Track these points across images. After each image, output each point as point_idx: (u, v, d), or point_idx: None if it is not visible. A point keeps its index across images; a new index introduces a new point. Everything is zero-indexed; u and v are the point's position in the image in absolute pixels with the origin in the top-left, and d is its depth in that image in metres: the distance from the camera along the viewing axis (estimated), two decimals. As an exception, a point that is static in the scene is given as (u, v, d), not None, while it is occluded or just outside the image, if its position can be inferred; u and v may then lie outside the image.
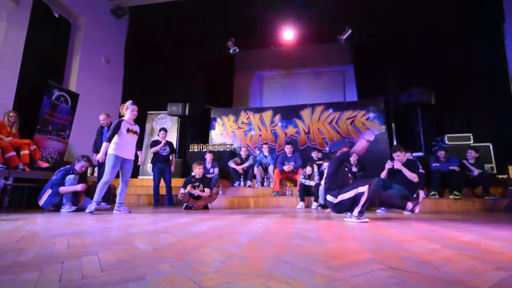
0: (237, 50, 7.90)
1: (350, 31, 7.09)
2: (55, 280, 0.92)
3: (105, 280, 0.92)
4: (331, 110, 7.49)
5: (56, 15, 6.48)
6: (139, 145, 4.12)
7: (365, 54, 7.94)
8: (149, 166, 5.74)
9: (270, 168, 6.12)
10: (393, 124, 7.14)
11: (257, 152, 7.46)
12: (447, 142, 5.89)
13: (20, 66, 5.40)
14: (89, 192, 4.15)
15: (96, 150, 4.75)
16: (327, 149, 6.98)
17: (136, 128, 3.93)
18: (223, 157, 6.63)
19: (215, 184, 5.61)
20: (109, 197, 4.83)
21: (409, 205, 3.07)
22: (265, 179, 6.20)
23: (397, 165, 3.82)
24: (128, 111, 3.83)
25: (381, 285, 0.90)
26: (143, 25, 8.51)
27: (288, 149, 6.01)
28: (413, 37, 7.16)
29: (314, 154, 6.17)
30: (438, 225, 2.60)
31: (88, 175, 5.35)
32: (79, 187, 3.84)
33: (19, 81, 5.34)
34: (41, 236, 1.79)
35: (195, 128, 8.16)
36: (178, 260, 1.20)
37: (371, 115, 7.13)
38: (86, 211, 3.59)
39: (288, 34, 7.79)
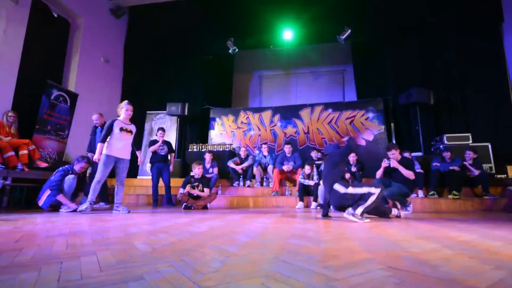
0: (237, 50, 7.89)
1: (349, 31, 7.10)
2: (53, 280, 0.92)
3: (104, 280, 0.92)
4: (330, 110, 7.50)
5: (55, 15, 6.47)
6: (137, 145, 4.09)
7: (364, 54, 7.95)
8: (148, 166, 5.74)
9: (270, 168, 6.12)
10: (392, 124, 7.15)
11: (257, 152, 7.46)
12: (446, 142, 5.90)
13: (19, 65, 5.39)
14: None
15: (91, 150, 4.73)
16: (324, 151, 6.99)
17: (131, 127, 3.92)
18: (222, 157, 6.63)
19: (215, 184, 5.61)
20: (107, 196, 4.81)
21: (394, 211, 3.23)
22: (265, 179, 6.20)
23: (393, 163, 3.84)
24: (123, 110, 3.84)
25: (380, 284, 0.90)
26: (142, 25, 8.51)
27: (287, 149, 6.02)
28: (412, 37, 7.17)
29: (314, 154, 6.17)
30: (437, 224, 2.61)
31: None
32: (73, 205, 3.81)
33: (18, 81, 5.34)
34: (40, 236, 1.79)
35: (194, 128, 8.15)
36: (177, 260, 1.20)
37: (370, 115, 7.14)
38: (78, 210, 3.60)
39: (287, 34, 7.79)
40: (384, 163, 3.92)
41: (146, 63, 8.42)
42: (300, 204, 5.04)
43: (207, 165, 5.88)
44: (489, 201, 4.65)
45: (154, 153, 5.30)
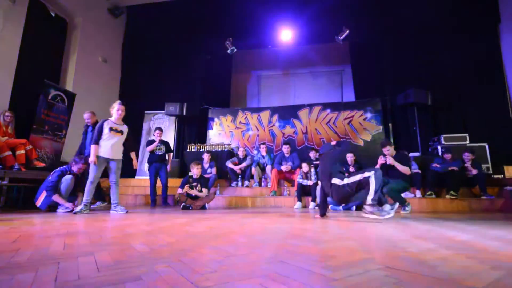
0: (235, 50, 7.89)
1: (347, 31, 7.11)
2: (51, 281, 0.91)
3: (101, 281, 0.92)
4: (328, 110, 7.51)
5: (53, 14, 6.44)
6: (131, 147, 4.02)
7: (362, 55, 7.96)
8: (146, 166, 5.72)
9: (268, 168, 6.12)
10: (390, 125, 7.17)
11: (255, 152, 7.46)
12: (443, 142, 5.92)
13: (16, 65, 5.36)
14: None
15: (81, 151, 4.68)
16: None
17: (122, 127, 3.87)
18: (220, 157, 6.62)
19: (213, 184, 5.60)
20: (103, 196, 4.80)
21: (368, 201, 2.93)
22: (263, 179, 6.20)
23: (390, 160, 3.85)
24: (114, 110, 3.82)
25: (378, 284, 0.90)
26: (140, 25, 8.48)
27: (285, 149, 6.02)
28: (409, 38, 7.19)
29: (312, 154, 6.17)
30: (434, 224, 2.62)
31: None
32: (69, 205, 3.80)
33: (15, 81, 5.31)
34: (37, 237, 1.78)
35: (193, 128, 8.14)
36: (175, 260, 1.20)
37: (369, 115, 7.16)
38: (73, 211, 3.60)
39: (286, 34, 7.80)
40: (381, 160, 3.94)
41: (144, 62, 8.40)
42: (298, 204, 5.04)
43: (206, 165, 5.88)
44: (486, 201, 4.67)
45: (152, 153, 5.28)
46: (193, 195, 4.60)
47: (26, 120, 5.33)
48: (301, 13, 7.44)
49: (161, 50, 8.40)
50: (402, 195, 4.06)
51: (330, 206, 4.72)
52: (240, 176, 6.11)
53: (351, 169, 5.42)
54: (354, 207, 4.55)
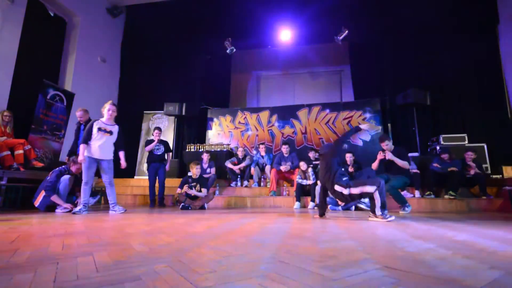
0: (234, 50, 7.89)
1: (346, 31, 7.12)
2: (49, 281, 0.91)
3: (100, 281, 0.91)
4: (327, 111, 7.52)
5: (52, 14, 6.43)
6: (121, 146, 3.96)
7: (361, 55, 7.98)
8: (145, 166, 5.71)
9: (267, 168, 6.12)
10: (389, 125, 7.18)
11: (254, 152, 7.45)
12: (442, 142, 5.93)
13: (15, 65, 5.35)
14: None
15: (72, 151, 4.63)
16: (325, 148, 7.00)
17: (112, 128, 3.84)
18: (220, 157, 6.62)
19: (212, 184, 5.60)
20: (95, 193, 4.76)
21: (378, 213, 2.98)
22: (262, 179, 6.20)
23: (389, 156, 3.86)
24: (105, 110, 3.81)
25: (377, 284, 0.90)
26: (139, 24, 8.48)
27: (285, 149, 6.02)
28: (409, 38, 7.21)
29: (311, 154, 6.18)
30: (433, 224, 2.62)
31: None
32: (68, 206, 3.79)
33: (14, 80, 5.29)
34: (35, 237, 1.77)
35: (192, 128, 8.14)
36: (174, 260, 1.20)
37: (368, 115, 7.17)
38: (72, 211, 3.59)
39: (285, 34, 7.80)
40: (380, 156, 3.94)
41: (143, 62, 8.39)
42: (298, 204, 5.04)
43: (205, 165, 5.87)
44: (484, 201, 4.68)
45: (150, 153, 5.26)
46: (192, 195, 4.60)
47: (24, 120, 5.32)
48: (301, 13, 7.45)
49: (160, 50, 8.40)
50: (402, 193, 4.09)
51: (329, 206, 4.73)
52: (239, 176, 6.11)
53: (350, 169, 5.42)
54: (353, 207, 4.56)
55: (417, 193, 5.13)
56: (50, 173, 3.95)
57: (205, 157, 5.98)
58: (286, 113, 7.77)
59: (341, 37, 7.25)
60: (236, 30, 7.91)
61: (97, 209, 4.36)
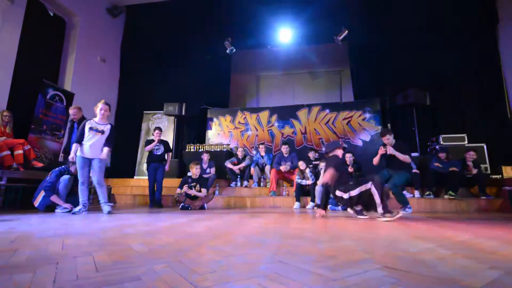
0: (234, 50, 7.89)
1: (346, 31, 7.12)
2: (49, 281, 0.91)
3: (100, 281, 0.91)
4: (327, 111, 7.52)
5: (51, 14, 6.42)
6: (108, 143, 3.78)
7: (361, 55, 7.97)
8: (145, 167, 5.68)
9: (267, 168, 6.12)
10: (389, 125, 7.17)
11: (254, 152, 7.45)
12: (442, 142, 5.93)
13: (14, 65, 5.34)
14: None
15: (65, 150, 4.56)
16: (323, 149, 7.00)
17: (103, 127, 3.76)
18: (219, 157, 6.61)
19: (212, 184, 5.59)
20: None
21: (379, 211, 3.05)
22: (262, 179, 6.20)
23: (390, 150, 3.85)
24: (97, 110, 3.79)
25: (376, 284, 0.90)
26: (139, 24, 8.47)
27: (284, 149, 6.02)
28: (408, 38, 7.21)
29: (311, 154, 6.18)
30: (433, 224, 2.62)
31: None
32: (68, 206, 3.78)
33: (14, 80, 5.28)
34: (35, 237, 1.77)
35: (192, 128, 8.13)
36: (174, 260, 1.20)
37: (367, 115, 7.17)
38: (72, 212, 3.59)
39: (285, 34, 7.80)
40: (381, 151, 3.93)
41: (143, 62, 8.39)
42: (297, 204, 5.04)
43: (205, 166, 5.87)
44: (484, 201, 4.69)
45: (150, 153, 5.23)
46: (192, 195, 4.59)
47: (24, 120, 5.31)
48: (300, 13, 7.45)
49: (160, 50, 8.39)
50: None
51: (329, 206, 4.73)
52: (239, 176, 6.11)
53: (350, 169, 5.42)
54: None
55: (416, 193, 5.13)
56: (50, 173, 3.95)
57: (205, 157, 5.97)
58: (286, 113, 7.77)
59: (341, 37, 7.25)
60: (236, 30, 7.90)
61: (96, 209, 4.36)
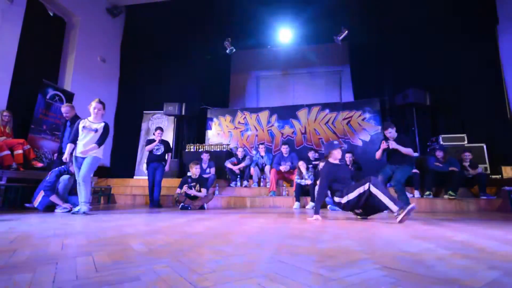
0: (234, 50, 7.89)
1: (346, 31, 7.12)
2: (48, 281, 0.91)
3: (99, 281, 0.92)
4: (327, 111, 7.52)
5: (51, 14, 6.42)
6: (98, 140, 3.69)
7: (361, 55, 7.98)
8: (144, 166, 5.68)
9: (267, 168, 6.12)
10: (389, 125, 7.17)
11: (254, 152, 7.45)
12: (441, 142, 5.93)
13: (14, 65, 5.33)
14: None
15: (60, 150, 4.47)
16: (323, 149, 7.00)
17: (98, 125, 3.73)
18: (219, 157, 6.61)
19: (212, 184, 5.59)
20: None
21: (395, 208, 2.80)
22: (262, 179, 6.20)
23: (393, 145, 3.83)
24: (91, 109, 3.78)
25: (376, 284, 0.90)
26: (139, 24, 8.47)
27: (284, 149, 6.02)
28: (408, 38, 7.21)
29: (311, 154, 6.18)
30: (432, 224, 2.62)
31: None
32: (67, 205, 3.78)
33: (13, 80, 5.28)
34: (35, 237, 1.77)
35: (192, 128, 8.13)
36: (173, 260, 1.20)
37: (367, 115, 7.17)
38: (72, 212, 3.56)
39: (285, 34, 7.80)
40: (383, 145, 3.92)
41: (143, 62, 8.38)
42: (297, 205, 5.05)
43: (204, 165, 5.87)
44: (484, 201, 4.69)
45: (150, 152, 5.22)
46: (192, 195, 4.60)
47: (24, 119, 5.31)
48: (300, 13, 7.45)
49: (160, 50, 8.39)
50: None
51: (329, 206, 4.74)
52: (239, 176, 6.11)
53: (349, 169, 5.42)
54: None
55: (416, 193, 5.13)
56: (50, 173, 3.95)
57: (205, 157, 5.98)
58: (286, 113, 7.77)
59: (340, 38, 7.25)
60: (236, 30, 7.90)
61: (96, 209, 4.36)
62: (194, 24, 8.13)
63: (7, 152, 4.43)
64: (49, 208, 3.84)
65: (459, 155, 5.28)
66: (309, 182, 5.11)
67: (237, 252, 1.39)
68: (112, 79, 8.20)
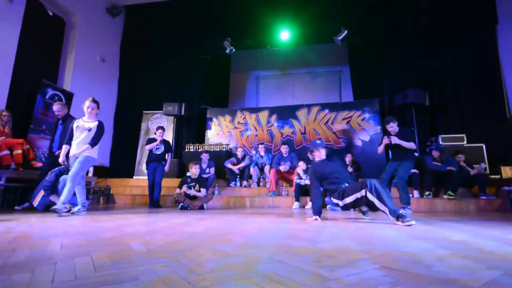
0: (233, 50, 7.89)
1: (345, 32, 7.12)
2: (47, 281, 0.91)
3: (98, 281, 0.91)
4: (327, 111, 7.52)
5: (50, 14, 6.41)
6: (91, 140, 3.65)
7: (360, 55, 7.98)
8: (145, 166, 5.66)
9: (266, 168, 6.12)
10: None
11: (253, 152, 7.45)
12: (441, 142, 5.94)
13: (13, 64, 5.33)
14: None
15: (51, 148, 4.41)
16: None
17: (90, 124, 3.68)
18: (219, 157, 6.61)
19: (211, 184, 5.59)
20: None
21: (391, 218, 2.66)
22: (261, 179, 6.20)
23: (395, 140, 3.82)
24: (85, 108, 3.76)
25: (375, 284, 0.90)
26: (138, 24, 8.47)
27: (284, 149, 6.02)
28: (408, 38, 7.21)
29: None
30: (431, 224, 2.62)
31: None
32: (67, 205, 3.76)
33: (13, 80, 5.28)
34: (33, 237, 1.77)
35: (191, 128, 8.13)
36: (172, 260, 1.20)
37: (367, 115, 7.17)
38: (71, 212, 3.55)
39: (284, 34, 7.80)
40: (385, 140, 3.92)
41: (142, 62, 8.38)
42: (297, 204, 5.04)
43: (204, 165, 5.87)
44: (483, 201, 4.69)
45: (150, 152, 5.19)
46: (191, 195, 4.59)
47: (23, 119, 5.30)
48: (300, 13, 7.45)
49: (160, 50, 8.38)
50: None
51: (328, 206, 4.74)
52: (238, 176, 6.11)
53: (349, 169, 5.43)
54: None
55: (416, 193, 5.14)
56: (49, 173, 3.94)
57: (204, 157, 5.97)
58: (285, 113, 7.77)
59: (340, 38, 7.26)
60: (236, 30, 7.90)
61: (96, 209, 4.36)
62: (193, 24, 8.13)
63: (6, 152, 4.43)
64: (49, 208, 3.84)
65: (455, 156, 5.30)
66: (308, 182, 5.10)
67: (236, 252, 1.39)
68: (112, 79, 8.19)
